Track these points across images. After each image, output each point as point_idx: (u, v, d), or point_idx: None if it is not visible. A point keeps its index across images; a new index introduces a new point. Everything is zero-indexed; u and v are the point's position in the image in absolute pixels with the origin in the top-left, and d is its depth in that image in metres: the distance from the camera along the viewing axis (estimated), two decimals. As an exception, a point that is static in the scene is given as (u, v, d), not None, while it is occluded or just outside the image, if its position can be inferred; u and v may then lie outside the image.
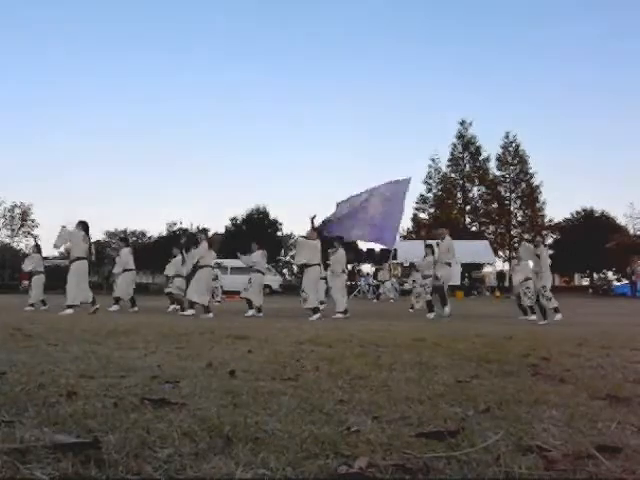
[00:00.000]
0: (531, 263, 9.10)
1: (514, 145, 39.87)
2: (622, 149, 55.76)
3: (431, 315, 9.37)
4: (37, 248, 11.40)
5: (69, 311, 8.48)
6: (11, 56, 55.96)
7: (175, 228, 39.33)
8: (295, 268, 40.49)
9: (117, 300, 10.33)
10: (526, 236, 39.12)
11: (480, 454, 1.32)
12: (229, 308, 11.32)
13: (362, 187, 10.66)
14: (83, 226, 9.11)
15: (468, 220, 40.41)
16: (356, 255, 30.18)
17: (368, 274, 27.51)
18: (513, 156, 39.86)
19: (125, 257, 10.70)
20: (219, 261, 22.67)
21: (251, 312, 9.20)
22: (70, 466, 1.18)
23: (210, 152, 60.83)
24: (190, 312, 8.96)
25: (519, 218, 39.79)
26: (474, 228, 39.67)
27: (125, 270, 10.61)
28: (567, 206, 67.19)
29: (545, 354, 3.42)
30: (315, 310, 8.52)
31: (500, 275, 32.61)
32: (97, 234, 42.16)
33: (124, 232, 38.88)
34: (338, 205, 10.35)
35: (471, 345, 4.05)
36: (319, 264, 9.04)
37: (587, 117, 55.74)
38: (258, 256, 9.86)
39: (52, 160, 59.61)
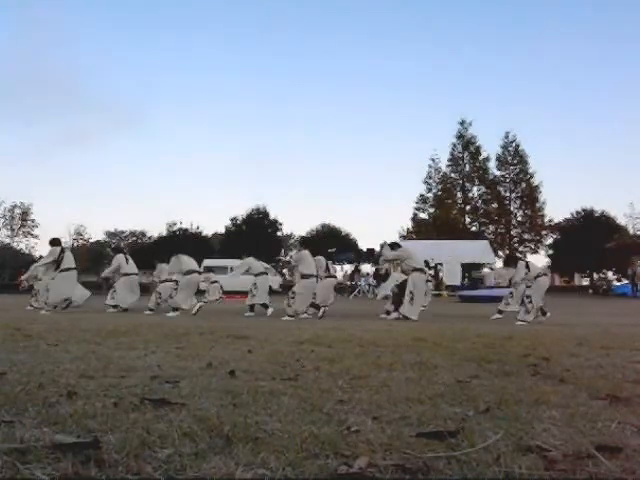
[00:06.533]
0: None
1: (514, 145, 39.83)
2: (622, 149, 55.83)
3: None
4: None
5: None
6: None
7: (175, 228, 39.26)
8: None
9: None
10: (526, 236, 39.15)
11: (480, 454, 1.32)
12: (229, 308, 11.30)
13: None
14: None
15: (468, 220, 40.37)
16: (356, 255, 30.20)
17: (368, 274, 27.48)
18: (513, 156, 39.81)
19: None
20: (220, 261, 22.71)
21: (251, 314, 9.28)
22: (70, 466, 1.18)
23: (210, 152, 60.89)
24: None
25: (519, 218, 39.75)
26: (474, 228, 39.63)
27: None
28: (567, 206, 67.22)
29: (545, 354, 3.42)
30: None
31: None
32: (97, 234, 42.21)
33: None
34: None
35: (471, 345, 4.05)
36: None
37: (587, 117, 55.83)
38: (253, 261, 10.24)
39: (52, 160, 59.69)
